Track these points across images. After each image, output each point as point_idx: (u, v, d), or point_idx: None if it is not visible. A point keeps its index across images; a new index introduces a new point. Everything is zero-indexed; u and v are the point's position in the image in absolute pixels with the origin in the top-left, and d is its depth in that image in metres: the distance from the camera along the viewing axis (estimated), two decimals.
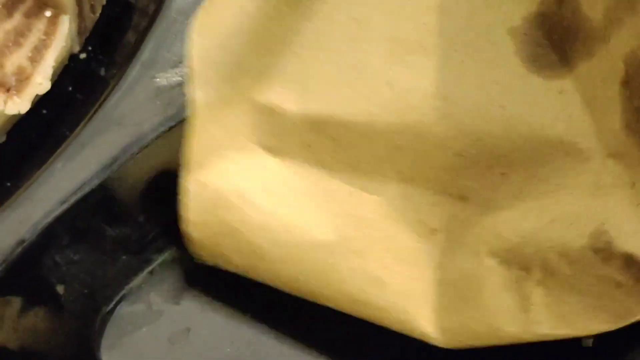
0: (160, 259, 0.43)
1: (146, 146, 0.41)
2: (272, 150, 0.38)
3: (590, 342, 0.38)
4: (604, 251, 0.34)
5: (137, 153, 0.41)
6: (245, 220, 0.38)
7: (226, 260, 0.40)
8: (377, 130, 0.36)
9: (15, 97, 0.41)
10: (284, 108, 0.38)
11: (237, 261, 0.40)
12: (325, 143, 0.37)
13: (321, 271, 0.38)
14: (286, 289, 0.39)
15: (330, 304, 0.39)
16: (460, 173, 0.36)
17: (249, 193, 0.38)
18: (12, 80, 0.41)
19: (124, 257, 0.42)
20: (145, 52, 0.43)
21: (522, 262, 0.35)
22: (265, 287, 0.42)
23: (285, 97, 0.37)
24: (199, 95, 0.38)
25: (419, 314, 0.37)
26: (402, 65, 0.36)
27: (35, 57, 0.42)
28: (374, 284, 0.37)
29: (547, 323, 0.35)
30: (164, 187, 0.43)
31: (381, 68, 0.36)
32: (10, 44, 0.42)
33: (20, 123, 0.43)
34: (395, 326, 0.38)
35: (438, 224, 0.37)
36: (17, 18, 0.43)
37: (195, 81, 0.38)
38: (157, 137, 0.41)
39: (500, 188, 0.36)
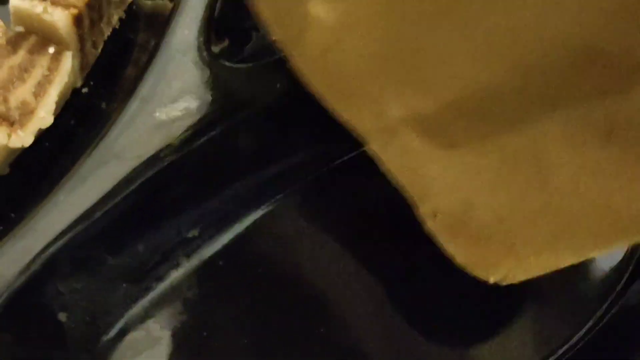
0: (159, 287, 0.44)
1: (146, 178, 0.42)
2: None
3: None
4: None
5: (138, 185, 0.42)
6: None
7: None
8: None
9: (19, 131, 0.42)
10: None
11: None
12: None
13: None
14: None
15: None
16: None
17: None
18: (16, 115, 0.42)
19: (124, 285, 0.43)
20: (145, 87, 0.43)
21: None
22: (263, 318, 0.43)
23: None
24: None
25: None
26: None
27: (39, 92, 0.43)
28: (605, 214, 0.36)
29: None
30: (163, 217, 0.44)
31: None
32: (15, 80, 0.43)
33: (23, 155, 0.44)
34: None
35: (606, 125, 0.35)
36: (21, 54, 0.43)
37: None
38: (157, 170, 0.42)
39: None
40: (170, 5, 0.47)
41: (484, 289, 0.40)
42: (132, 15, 0.48)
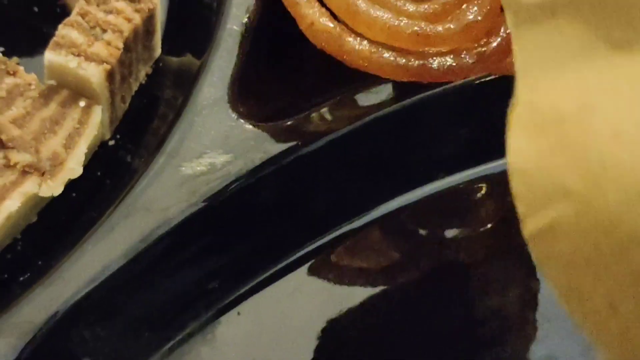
0: (179, 336, 0.45)
1: (171, 230, 0.43)
2: (620, 44, 0.31)
3: None
4: None
5: (163, 236, 0.43)
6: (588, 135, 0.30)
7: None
8: None
9: (49, 181, 0.43)
10: None
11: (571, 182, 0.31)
12: None
13: None
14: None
15: None
16: None
17: (594, 105, 0.30)
18: (46, 165, 0.43)
19: (146, 333, 0.44)
20: (172, 142, 0.45)
21: None
22: None
23: None
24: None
25: None
26: None
27: (69, 143, 0.44)
28: None
29: None
30: (185, 268, 0.45)
31: None
32: (46, 131, 0.44)
33: (50, 204, 0.45)
34: None
35: None
36: (52, 107, 0.45)
37: None
38: (182, 222, 0.43)
39: None
40: (196, 63, 0.48)
41: None
42: (159, 71, 0.50)
